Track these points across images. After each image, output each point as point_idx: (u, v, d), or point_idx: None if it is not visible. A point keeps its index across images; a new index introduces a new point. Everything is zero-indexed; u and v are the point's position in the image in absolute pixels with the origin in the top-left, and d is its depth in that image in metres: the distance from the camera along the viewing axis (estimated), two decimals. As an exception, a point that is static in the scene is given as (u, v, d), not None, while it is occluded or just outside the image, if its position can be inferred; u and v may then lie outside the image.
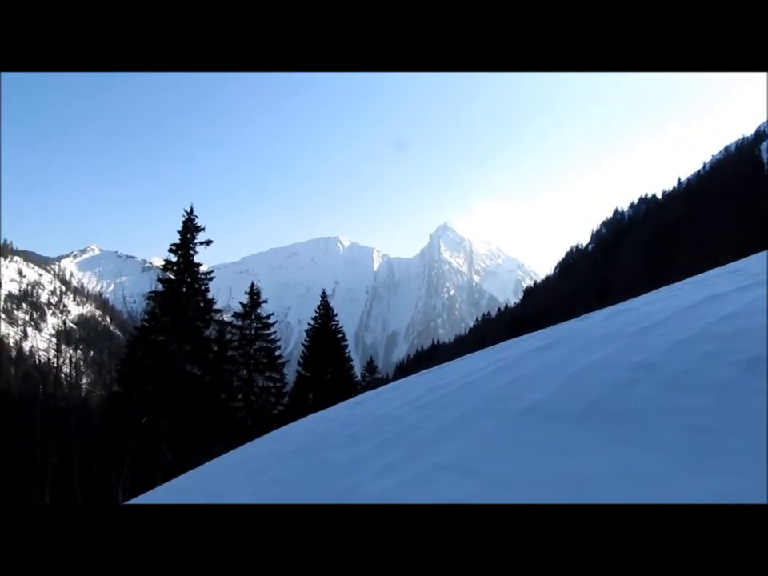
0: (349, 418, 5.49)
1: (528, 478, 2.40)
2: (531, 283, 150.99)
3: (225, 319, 25.52)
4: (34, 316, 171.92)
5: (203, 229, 23.97)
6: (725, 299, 3.76)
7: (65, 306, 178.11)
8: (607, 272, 72.91)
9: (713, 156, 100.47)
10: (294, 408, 24.03)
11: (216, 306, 24.39)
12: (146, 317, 23.29)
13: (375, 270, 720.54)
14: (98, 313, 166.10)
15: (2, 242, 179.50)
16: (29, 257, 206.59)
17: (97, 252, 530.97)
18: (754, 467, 1.89)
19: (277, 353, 26.91)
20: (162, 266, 24.00)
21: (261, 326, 26.59)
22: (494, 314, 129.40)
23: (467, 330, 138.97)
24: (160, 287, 23.62)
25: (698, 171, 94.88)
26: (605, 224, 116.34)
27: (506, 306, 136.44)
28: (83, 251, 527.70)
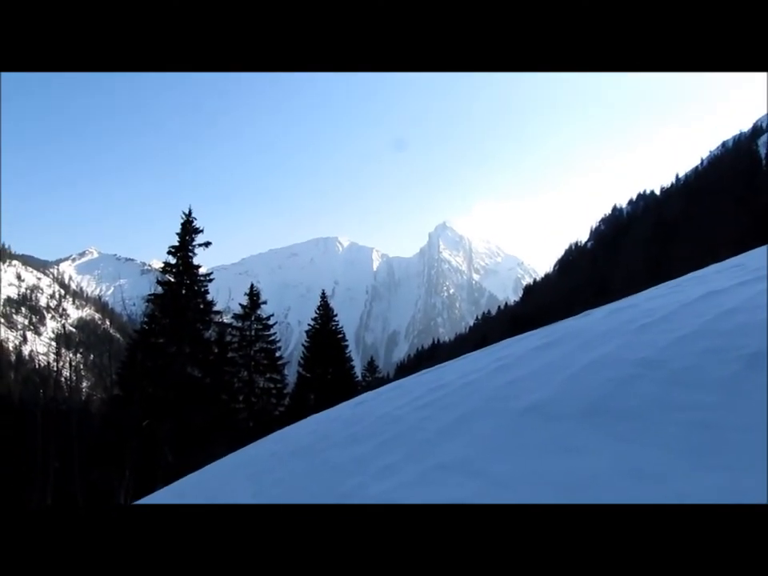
0: (350, 418, 5.49)
1: (530, 478, 2.39)
2: (531, 281, 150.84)
3: (225, 321, 25.59)
4: (34, 320, 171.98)
5: (202, 230, 24.02)
6: (725, 295, 3.75)
7: (64, 309, 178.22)
8: (606, 269, 72.88)
9: (710, 152, 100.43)
10: (295, 409, 24.06)
11: (216, 308, 24.45)
12: (145, 319, 23.32)
13: (375, 269, 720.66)
14: (97, 316, 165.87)
15: (0, 246, 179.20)
16: (27, 261, 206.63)
17: (95, 255, 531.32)
18: (757, 463, 1.89)
19: (277, 354, 26.94)
20: (161, 268, 24.04)
21: (261, 327, 26.61)
22: (494, 312, 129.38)
23: (467, 329, 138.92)
24: (159, 290, 23.64)
25: (696, 167, 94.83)
26: (603, 221, 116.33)
27: (506, 304, 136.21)
28: (82, 254, 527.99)
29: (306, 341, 29.50)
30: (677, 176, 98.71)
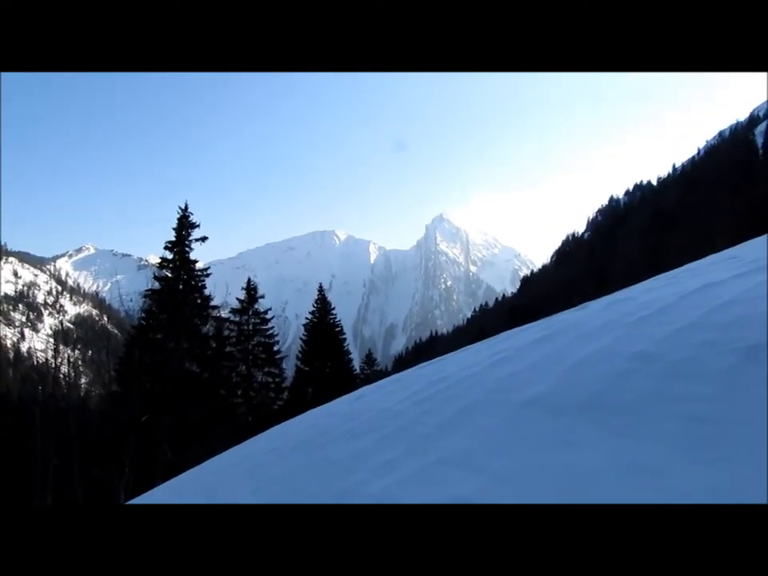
0: (349, 412, 5.49)
1: (530, 472, 2.40)
2: (528, 273, 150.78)
3: (222, 315, 25.52)
4: (31, 317, 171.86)
5: (198, 225, 23.96)
6: (722, 287, 3.75)
7: (61, 306, 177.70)
8: (604, 260, 72.90)
9: (707, 141, 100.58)
10: (293, 402, 24.08)
11: (213, 303, 24.39)
12: (143, 315, 23.27)
13: (372, 262, 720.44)
14: (95, 312, 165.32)
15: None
16: (24, 257, 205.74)
17: (92, 251, 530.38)
18: (754, 456, 1.89)
19: (275, 348, 26.92)
20: (158, 263, 23.96)
21: (258, 321, 26.57)
22: (491, 304, 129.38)
23: (465, 321, 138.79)
24: (156, 285, 23.58)
25: (693, 157, 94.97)
26: (600, 212, 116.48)
27: (504, 295, 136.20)
28: (78, 250, 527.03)
29: (303, 334, 29.48)
30: (673, 166, 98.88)
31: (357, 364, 32.35)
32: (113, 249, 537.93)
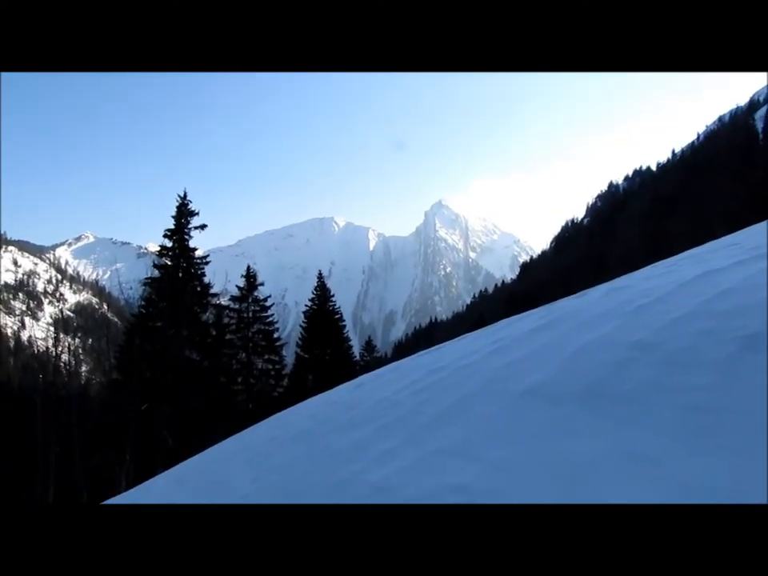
0: (348, 402, 5.50)
1: (529, 462, 2.41)
2: (527, 259, 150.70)
3: (222, 303, 25.49)
4: (31, 306, 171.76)
5: (197, 213, 23.84)
6: (721, 274, 3.74)
7: (61, 294, 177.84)
8: (603, 246, 72.88)
9: (707, 126, 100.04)
10: (293, 389, 24.14)
11: (213, 290, 24.34)
12: (142, 303, 23.24)
13: (371, 249, 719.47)
14: (94, 300, 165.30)
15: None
16: (23, 246, 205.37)
17: (91, 239, 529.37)
18: (753, 446, 1.90)
19: (275, 335, 26.94)
20: (158, 251, 23.89)
21: (258, 308, 26.55)
22: (490, 290, 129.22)
23: (464, 307, 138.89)
24: (156, 273, 23.53)
25: (693, 142, 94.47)
26: (600, 197, 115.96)
27: (503, 281, 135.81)
28: (78, 239, 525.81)
29: (303, 322, 29.48)
30: (673, 151, 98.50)
31: (356, 351, 32.41)
32: (112, 237, 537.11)
